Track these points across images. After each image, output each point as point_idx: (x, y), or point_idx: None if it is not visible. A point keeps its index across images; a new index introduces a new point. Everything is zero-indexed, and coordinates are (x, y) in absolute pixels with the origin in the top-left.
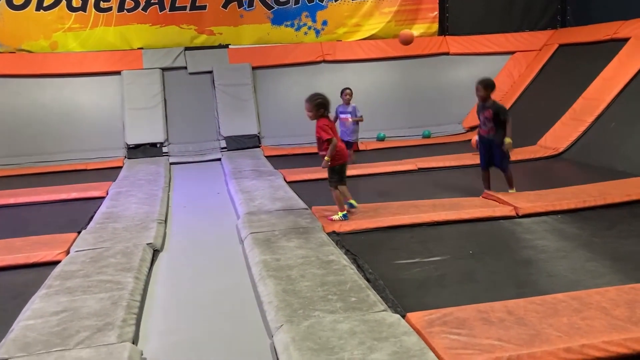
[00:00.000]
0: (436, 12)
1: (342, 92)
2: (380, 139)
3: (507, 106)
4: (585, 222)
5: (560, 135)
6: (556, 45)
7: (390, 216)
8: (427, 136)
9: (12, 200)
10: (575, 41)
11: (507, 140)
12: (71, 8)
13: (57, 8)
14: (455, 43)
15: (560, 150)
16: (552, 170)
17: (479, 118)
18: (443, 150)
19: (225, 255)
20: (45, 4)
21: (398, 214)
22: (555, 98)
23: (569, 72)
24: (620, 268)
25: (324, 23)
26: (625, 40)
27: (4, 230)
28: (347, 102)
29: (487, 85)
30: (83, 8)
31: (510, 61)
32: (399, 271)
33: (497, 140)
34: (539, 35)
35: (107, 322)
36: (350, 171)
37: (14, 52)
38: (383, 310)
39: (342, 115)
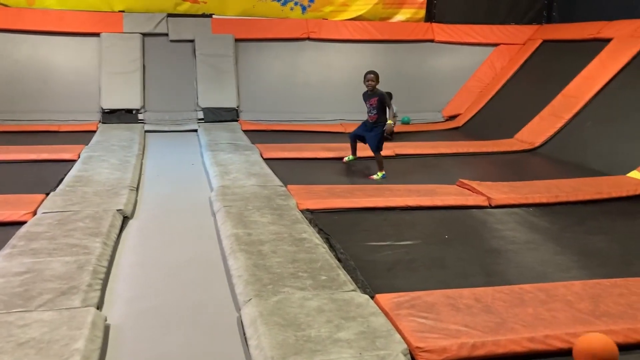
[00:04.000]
0: None
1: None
2: (405, 122)
3: (487, 99)
4: (556, 217)
5: (538, 130)
6: (540, 41)
7: (365, 198)
8: (407, 122)
9: None
10: (559, 38)
11: (389, 122)
12: None
13: None
14: (440, 31)
15: (537, 145)
16: (527, 164)
17: (366, 105)
18: (421, 137)
19: (196, 226)
20: None
21: (373, 196)
22: (535, 93)
23: (550, 68)
24: (587, 263)
25: (311, 0)
26: (607, 40)
27: None
28: (370, 89)
29: (378, 77)
30: None
31: (494, 53)
32: (371, 253)
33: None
34: (524, 29)
35: (71, 285)
36: (327, 153)
37: None
38: (352, 290)
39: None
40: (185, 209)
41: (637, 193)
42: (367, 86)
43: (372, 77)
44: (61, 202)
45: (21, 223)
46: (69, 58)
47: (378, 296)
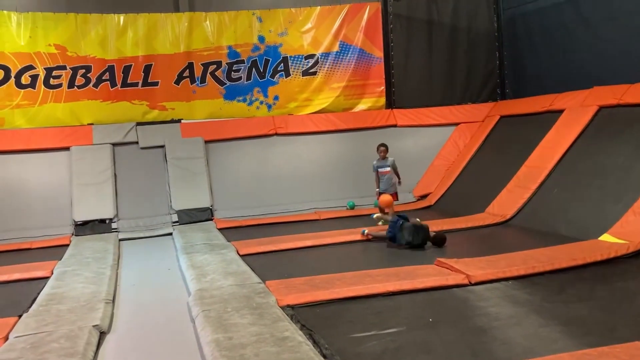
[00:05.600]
0: (383, 87)
1: (377, 149)
2: (351, 207)
3: (455, 176)
4: (535, 288)
5: (507, 203)
6: (498, 117)
7: (346, 287)
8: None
9: None
10: (515, 113)
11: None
12: (20, 85)
13: (5, 85)
14: (402, 116)
15: (508, 217)
16: (501, 237)
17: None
18: None
19: (175, 335)
20: None
21: (353, 285)
22: (500, 166)
23: (511, 141)
24: (571, 333)
25: (276, 98)
26: (560, 111)
27: None
28: (383, 157)
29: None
30: (32, 85)
31: (455, 132)
32: (356, 345)
33: None
34: (480, 107)
35: None
36: (304, 242)
37: None
38: None
39: (380, 170)
40: (164, 318)
41: (611, 256)
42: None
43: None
44: (34, 323)
45: None
46: (40, 174)
47: None
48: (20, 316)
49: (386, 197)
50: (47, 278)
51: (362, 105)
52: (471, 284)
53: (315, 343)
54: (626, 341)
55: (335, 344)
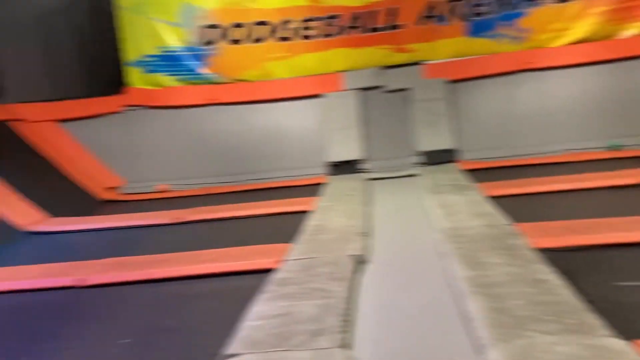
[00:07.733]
0: None
1: None
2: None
3: None
4: None
5: None
6: None
7: (612, 232)
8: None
9: (223, 214)
10: None
11: None
12: (279, 38)
13: (267, 41)
14: None
15: None
16: None
17: None
18: None
19: (425, 269)
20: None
21: (622, 231)
22: None
23: None
24: None
25: (525, 31)
26: None
27: (221, 240)
28: None
29: None
30: (290, 38)
31: None
32: (621, 294)
33: None
34: None
35: (320, 327)
36: (559, 185)
37: (232, 82)
38: (606, 336)
39: None
40: (414, 253)
41: None
42: None
43: None
44: (303, 249)
45: (269, 270)
46: (295, 120)
47: (638, 341)
48: (291, 243)
49: None
50: (309, 212)
51: (633, 30)
52: None
53: (574, 288)
54: None
55: (597, 290)
